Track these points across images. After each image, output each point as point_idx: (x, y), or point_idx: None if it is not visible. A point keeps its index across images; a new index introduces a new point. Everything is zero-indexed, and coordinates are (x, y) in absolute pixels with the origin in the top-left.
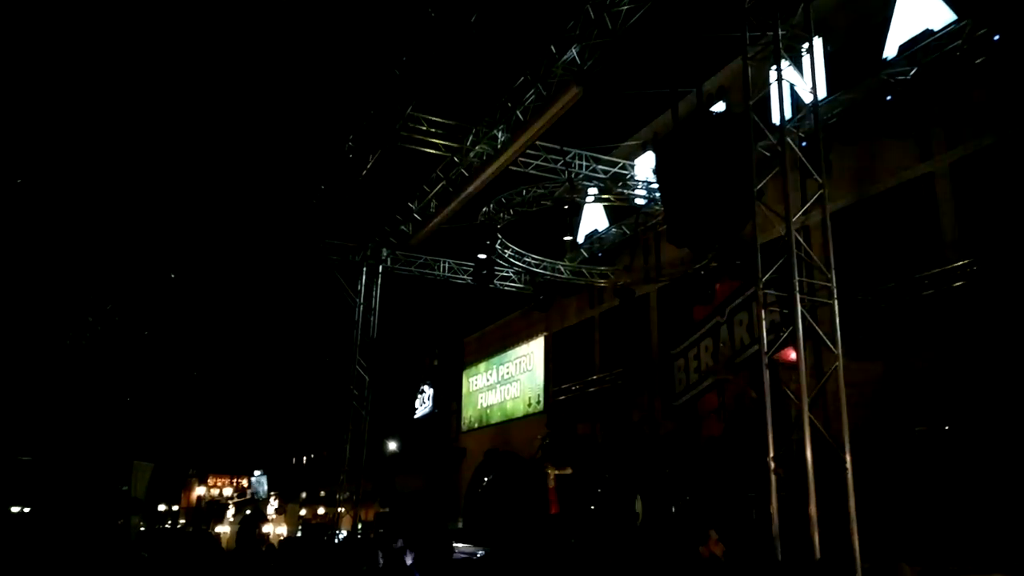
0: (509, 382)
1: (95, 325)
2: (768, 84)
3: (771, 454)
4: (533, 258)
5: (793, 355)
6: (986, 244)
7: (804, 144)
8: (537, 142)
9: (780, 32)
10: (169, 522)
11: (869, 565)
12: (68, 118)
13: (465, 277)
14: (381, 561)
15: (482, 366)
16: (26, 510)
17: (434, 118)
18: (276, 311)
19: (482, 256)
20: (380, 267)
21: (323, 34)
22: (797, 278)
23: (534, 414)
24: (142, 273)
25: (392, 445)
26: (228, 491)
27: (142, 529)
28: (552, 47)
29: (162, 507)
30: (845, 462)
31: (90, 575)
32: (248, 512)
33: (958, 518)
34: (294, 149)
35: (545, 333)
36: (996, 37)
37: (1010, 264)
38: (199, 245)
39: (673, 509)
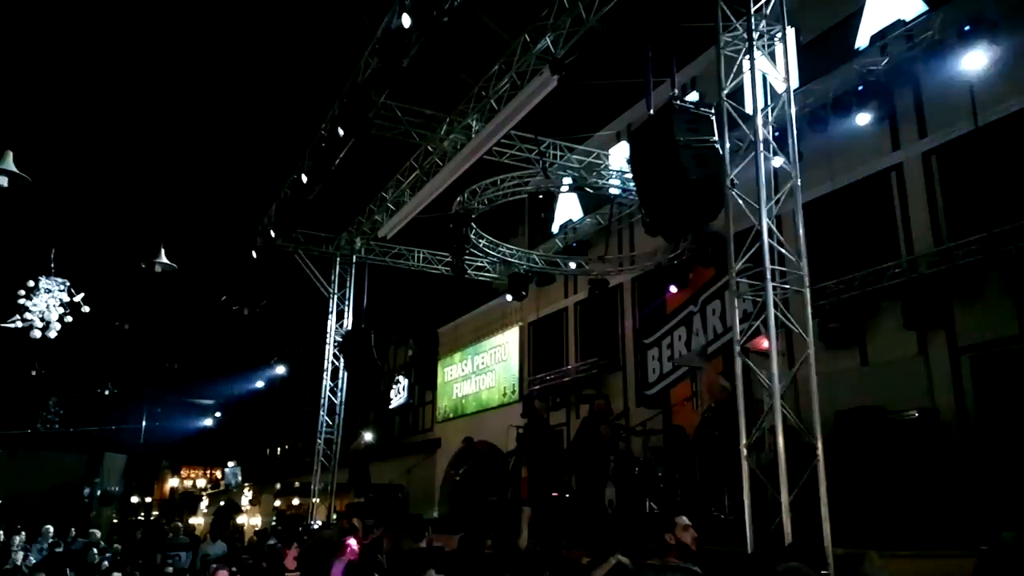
0: (484, 372)
1: (65, 316)
2: (741, 74)
3: (743, 442)
4: (508, 248)
5: (765, 343)
6: (956, 232)
7: (776, 134)
8: (511, 131)
9: (753, 22)
10: (142, 514)
11: (843, 551)
12: (33, 103)
13: (440, 267)
14: None
15: (457, 356)
16: None
17: (407, 107)
18: (249, 302)
19: (456, 246)
20: (354, 257)
21: (295, 20)
22: (770, 267)
23: (509, 404)
24: (115, 264)
25: (367, 436)
26: (202, 482)
27: (115, 521)
28: (526, 36)
29: (135, 499)
30: (816, 449)
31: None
32: (222, 503)
33: (929, 503)
34: (265, 138)
35: (520, 323)
36: (967, 28)
37: (978, 253)
38: (171, 235)
39: (646, 498)
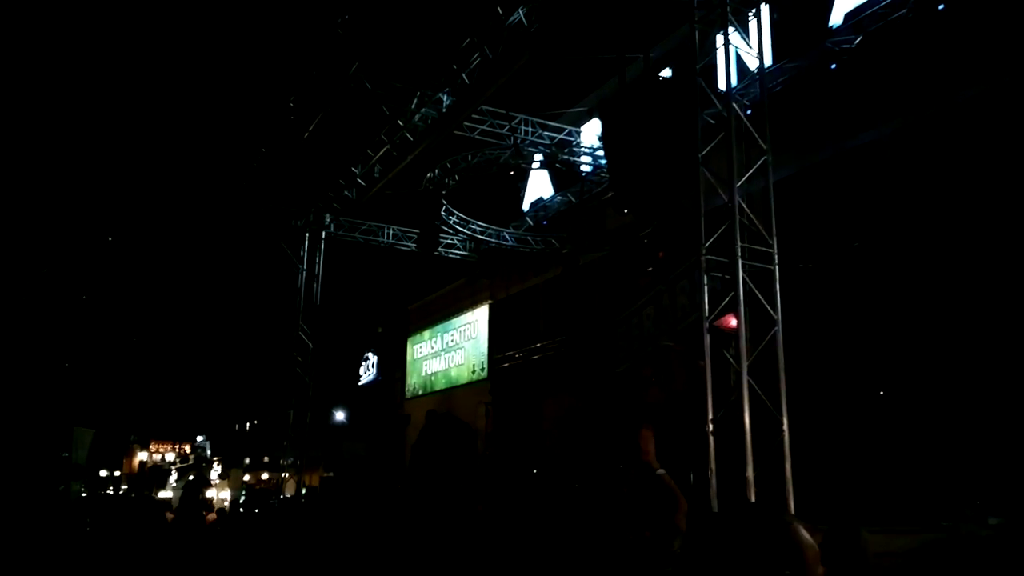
0: (453, 349)
1: (33, 290)
2: (715, 50)
3: (710, 417)
4: (478, 225)
5: (734, 322)
6: (924, 214)
7: (749, 112)
8: (483, 107)
9: None
10: (111, 488)
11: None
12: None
13: (409, 244)
14: None
15: (426, 333)
16: None
17: (378, 80)
18: (218, 276)
19: (427, 223)
20: (323, 233)
21: None
22: (739, 244)
23: (478, 381)
24: (80, 236)
25: (339, 415)
26: (170, 456)
27: (83, 495)
28: (499, 8)
29: (104, 473)
30: (782, 425)
31: (30, 542)
32: (191, 477)
33: (892, 479)
34: (235, 111)
35: (490, 301)
36: (941, 7)
37: (945, 235)
38: (139, 208)
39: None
